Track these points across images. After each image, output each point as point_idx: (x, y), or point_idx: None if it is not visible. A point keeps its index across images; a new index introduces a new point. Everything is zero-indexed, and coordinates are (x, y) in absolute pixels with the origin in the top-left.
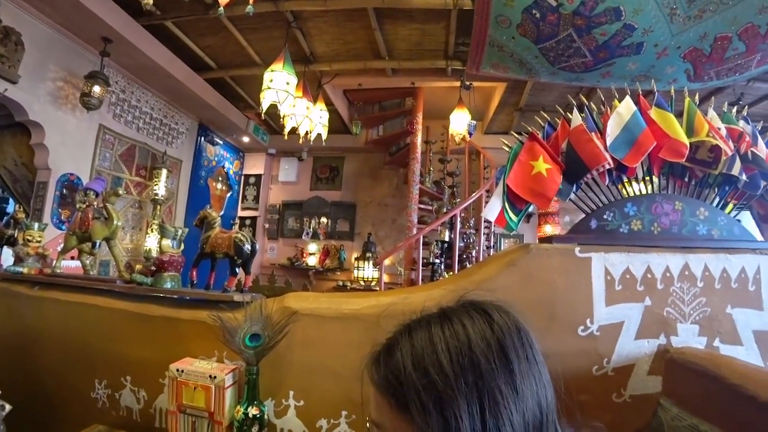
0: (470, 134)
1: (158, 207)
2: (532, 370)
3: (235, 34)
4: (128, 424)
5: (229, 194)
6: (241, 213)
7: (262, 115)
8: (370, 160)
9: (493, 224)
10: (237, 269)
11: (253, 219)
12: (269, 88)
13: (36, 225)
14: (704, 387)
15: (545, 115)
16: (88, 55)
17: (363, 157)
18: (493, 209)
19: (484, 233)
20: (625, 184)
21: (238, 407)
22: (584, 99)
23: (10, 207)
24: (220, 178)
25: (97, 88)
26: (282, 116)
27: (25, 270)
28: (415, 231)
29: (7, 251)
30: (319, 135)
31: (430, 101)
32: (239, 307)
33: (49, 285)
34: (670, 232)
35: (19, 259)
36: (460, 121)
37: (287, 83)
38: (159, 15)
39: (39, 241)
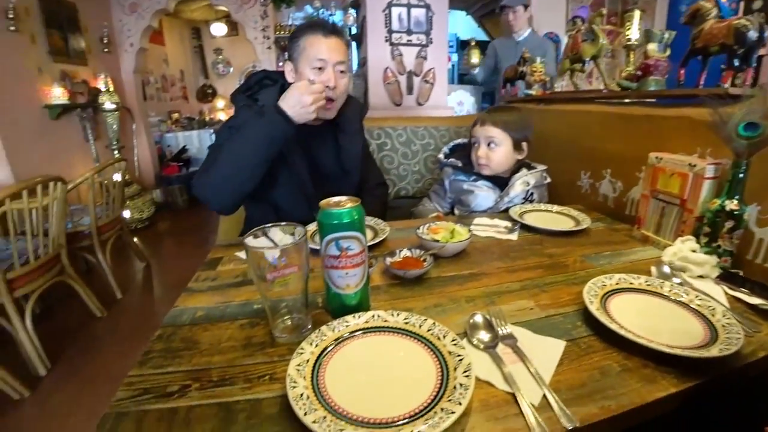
0: None
1: (631, 53)
2: None
3: None
4: (602, 208)
5: None
6: None
7: None
8: None
9: None
10: (735, 62)
11: None
12: None
13: (537, 59)
14: None
15: None
16: None
17: None
18: None
19: None
20: None
21: (715, 200)
22: None
23: None
24: None
25: None
26: None
27: (533, 92)
28: None
29: (521, 83)
30: None
31: None
32: (736, 101)
33: (549, 101)
34: None
35: (528, 86)
36: None
37: None
38: None
39: (542, 71)
